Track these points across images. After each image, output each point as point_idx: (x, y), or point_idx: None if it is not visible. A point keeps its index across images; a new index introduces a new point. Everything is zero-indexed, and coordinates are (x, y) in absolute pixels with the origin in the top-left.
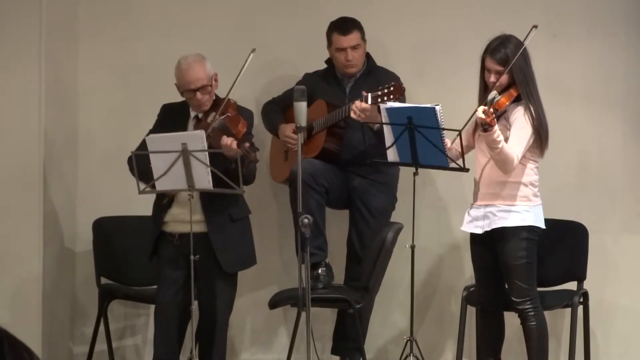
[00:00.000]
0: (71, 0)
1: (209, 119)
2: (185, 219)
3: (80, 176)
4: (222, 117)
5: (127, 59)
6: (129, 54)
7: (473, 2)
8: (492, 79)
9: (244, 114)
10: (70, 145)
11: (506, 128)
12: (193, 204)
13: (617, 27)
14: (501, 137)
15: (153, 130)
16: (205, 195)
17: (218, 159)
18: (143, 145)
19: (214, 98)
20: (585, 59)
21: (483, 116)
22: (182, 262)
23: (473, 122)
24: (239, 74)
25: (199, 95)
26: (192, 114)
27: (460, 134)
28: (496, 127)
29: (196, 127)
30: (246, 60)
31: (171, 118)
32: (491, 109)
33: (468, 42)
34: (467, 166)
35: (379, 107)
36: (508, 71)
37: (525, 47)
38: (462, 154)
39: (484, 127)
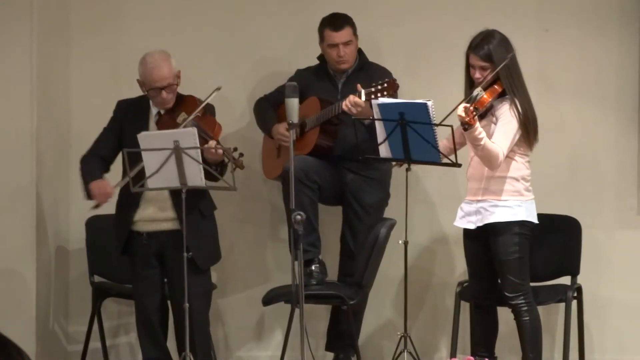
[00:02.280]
0: (63, 1)
1: (179, 119)
2: (155, 217)
3: (72, 175)
4: (192, 116)
5: (118, 60)
6: (121, 55)
7: (465, 1)
8: (477, 75)
9: (210, 110)
10: (62, 144)
11: (492, 123)
12: (164, 202)
13: (609, 22)
14: (483, 134)
15: (109, 126)
16: (175, 193)
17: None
18: (100, 139)
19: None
20: (577, 54)
21: (463, 114)
22: (154, 261)
23: None
24: (202, 105)
25: (164, 93)
26: (154, 110)
27: (452, 130)
28: (477, 125)
29: (159, 124)
30: (209, 96)
31: (130, 115)
32: (472, 107)
33: (460, 39)
34: (459, 162)
35: (371, 103)
36: (492, 66)
37: (509, 41)
38: (455, 150)
39: (464, 126)
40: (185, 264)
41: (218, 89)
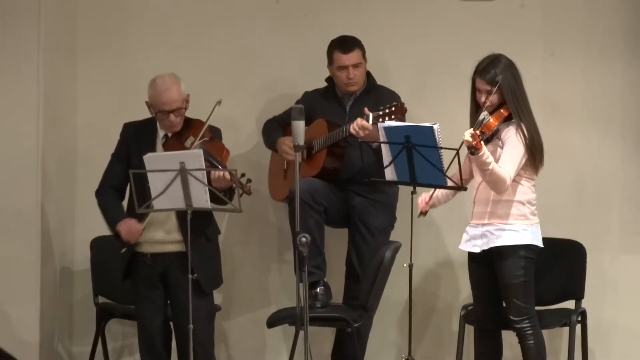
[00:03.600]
0: (69, 17)
1: (187, 143)
2: (159, 239)
3: (78, 195)
4: (200, 140)
5: (125, 77)
6: (128, 72)
7: (471, 24)
8: (483, 98)
9: (216, 133)
10: (68, 165)
11: (499, 147)
12: (169, 225)
13: (615, 47)
14: (491, 159)
15: (116, 150)
16: (180, 215)
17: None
18: (109, 168)
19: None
20: (583, 79)
21: (470, 139)
22: (158, 282)
23: None
24: (205, 122)
25: (172, 116)
26: (161, 132)
27: (458, 153)
28: (484, 149)
29: (166, 147)
30: (211, 111)
31: (136, 137)
32: (478, 132)
33: (467, 63)
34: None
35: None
36: (498, 90)
37: (515, 65)
38: (460, 173)
39: (471, 150)
40: (190, 286)
41: (218, 102)
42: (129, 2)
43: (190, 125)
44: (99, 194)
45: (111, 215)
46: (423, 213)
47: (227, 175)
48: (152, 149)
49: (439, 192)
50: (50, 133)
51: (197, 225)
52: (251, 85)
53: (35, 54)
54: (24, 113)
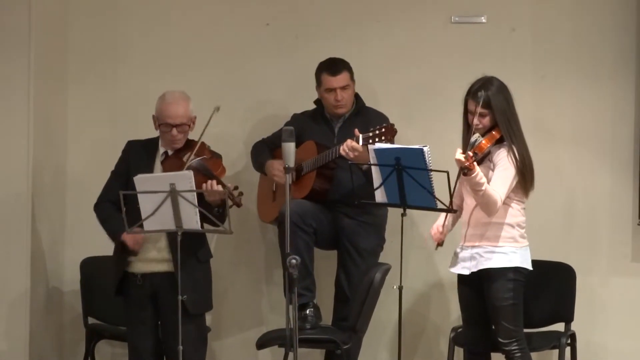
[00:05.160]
0: (60, 40)
1: (184, 159)
2: (150, 258)
3: (68, 216)
4: (199, 158)
5: (115, 99)
6: (118, 94)
7: (461, 47)
8: (475, 121)
9: (217, 156)
10: (58, 184)
11: (490, 169)
12: (159, 244)
13: (605, 69)
14: (484, 180)
15: (116, 167)
16: (171, 234)
17: (201, 203)
18: (108, 184)
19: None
20: (573, 101)
21: (462, 159)
22: (148, 303)
23: None
24: (203, 131)
25: (174, 131)
26: (161, 150)
27: (448, 175)
28: (477, 170)
29: (164, 163)
30: (210, 117)
31: (138, 154)
32: (471, 153)
33: (456, 86)
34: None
35: (367, 148)
36: (490, 113)
37: (507, 88)
38: (450, 195)
39: (464, 170)
40: (179, 307)
41: (217, 109)
42: (118, 27)
43: (190, 145)
44: (98, 208)
45: (114, 226)
46: (440, 244)
47: (220, 187)
48: (151, 165)
49: (449, 219)
50: (41, 155)
51: (188, 246)
52: (240, 107)
53: (26, 76)
54: (14, 135)
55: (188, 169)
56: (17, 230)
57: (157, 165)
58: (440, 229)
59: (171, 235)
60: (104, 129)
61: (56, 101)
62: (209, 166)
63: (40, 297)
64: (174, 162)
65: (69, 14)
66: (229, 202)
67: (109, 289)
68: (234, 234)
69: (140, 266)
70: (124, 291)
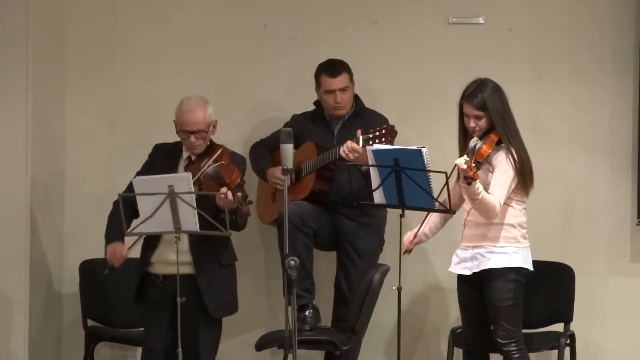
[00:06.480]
0: (58, 45)
1: (202, 164)
2: (171, 260)
3: (66, 219)
4: (216, 164)
5: (114, 103)
6: (116, 98)
7: (459, 48)
8: (471, 124)
9: (237, 160)
10: (57, 188)
11: (489, 172)
12: (181, 246)
13: (603, 70)
14: (481, 188)
15: (142, 169)
16: (193, 238)
17: (209, 204)
18: (131, 187)
19: (209, 143)
20: (571, 102)
21: (465, 167)
22: (168, 304)
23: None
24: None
25: (192, 138)
26: (185, 154)
27: (447, 176)
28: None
29: (187, 168)
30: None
31: (162, 158)
32: (473, 162)
33: (454, 87)
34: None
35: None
36: (486, 114)
37: (501, 89)
38: (449, 196)
39: (467, 180)
40: (179, 310)
41: None
42: (116, 31)
43: (213, 149)
44: (115, 205)
45: (110, 233)
46: (408, 251)
47: (230, 196)
48: (174, 170)
49: (425, 228)
50: (39, 159)
51: (209, 249)
52: (239, 109)
53: (24, 81)
54: (13, 139)
55: (205, 176)
56: (16, 232)
57: (181, 170)
58: (411, 238)
59: (192, 238)
60: (102, 131)
61: (54, 104)
62: (222, 173)
63: (40, 299)
64: (196, 167)
65: (67, 17)
66: (238, 212)
67: (109, 291)
68: (233, 235)
69: (161, 268)
70: (143, 293)
